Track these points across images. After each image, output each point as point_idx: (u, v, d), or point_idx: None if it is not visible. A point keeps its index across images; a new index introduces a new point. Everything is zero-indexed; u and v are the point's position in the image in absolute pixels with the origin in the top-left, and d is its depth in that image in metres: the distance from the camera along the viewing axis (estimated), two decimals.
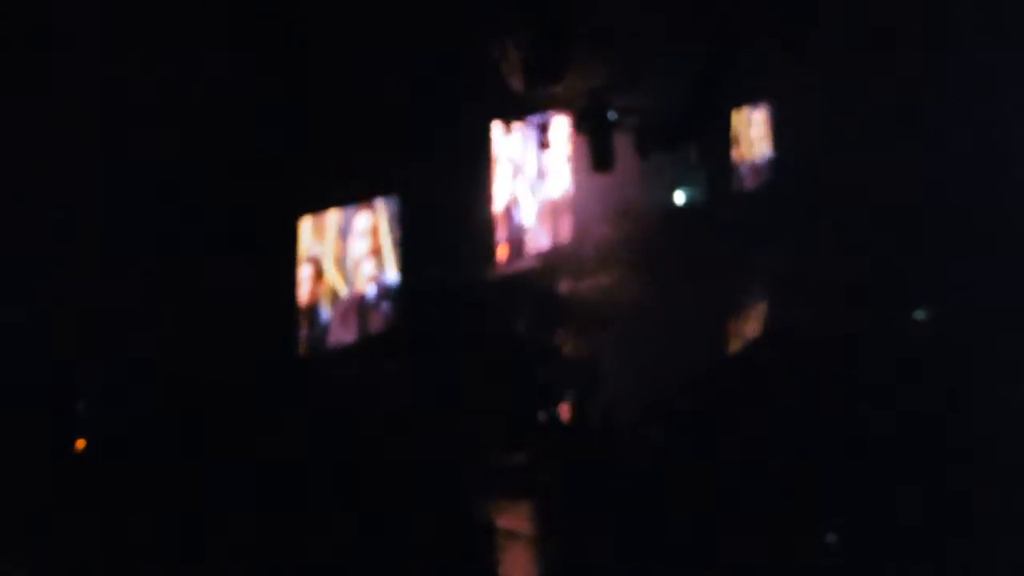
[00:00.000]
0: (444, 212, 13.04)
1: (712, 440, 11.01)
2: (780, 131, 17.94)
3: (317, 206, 11.73)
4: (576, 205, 15.47)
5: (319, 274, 11.79)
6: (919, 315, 14.30)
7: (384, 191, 12.44)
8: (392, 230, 12.44)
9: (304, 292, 11.54)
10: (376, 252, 12.44)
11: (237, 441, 10.00)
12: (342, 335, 12.02)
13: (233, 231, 10.61)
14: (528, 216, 14.81)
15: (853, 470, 10.34)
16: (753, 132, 17.75)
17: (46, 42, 9.25)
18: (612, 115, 13.02)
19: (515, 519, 10.31)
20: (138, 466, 9.31)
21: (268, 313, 10.99)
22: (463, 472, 10.71)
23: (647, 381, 12.78)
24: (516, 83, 12.66)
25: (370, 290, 12.38)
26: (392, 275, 12.55)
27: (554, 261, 14.83)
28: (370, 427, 10.76)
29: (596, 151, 13.09)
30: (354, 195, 12.18)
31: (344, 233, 11.98)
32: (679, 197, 16.69)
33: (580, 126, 13.23)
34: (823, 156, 17.04)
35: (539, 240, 14.94)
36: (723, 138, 16.56)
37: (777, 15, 14.62)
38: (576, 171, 14.96)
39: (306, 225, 11.48)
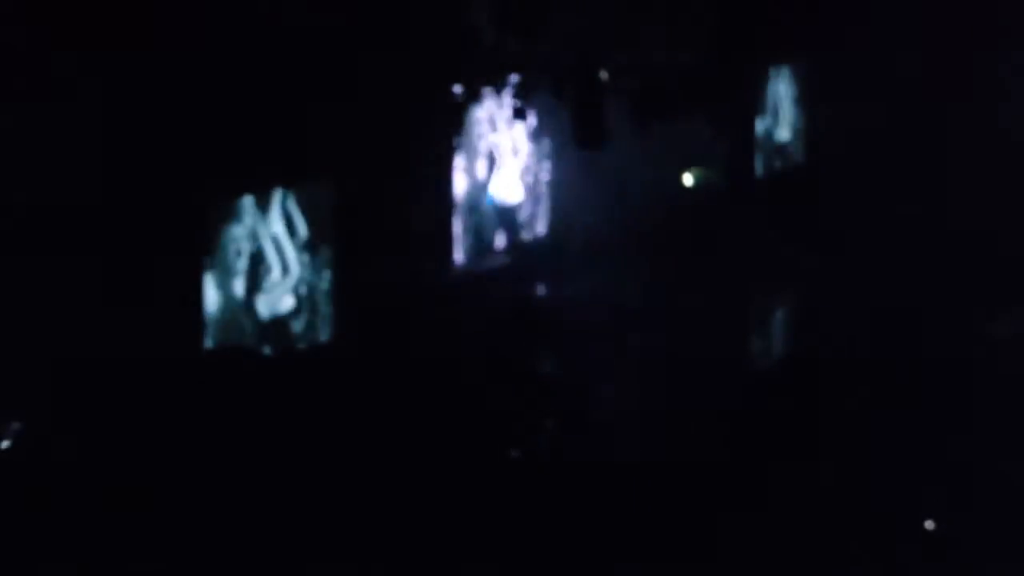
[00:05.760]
0: (390, 199, 12.00)
1: (717, 494, 10.17)
2: (814, 100, 16.25)
3: (228, 194, 10.79)
4: (558, 190, 14.15)
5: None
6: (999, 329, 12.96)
7: (310, 174, 11.43)
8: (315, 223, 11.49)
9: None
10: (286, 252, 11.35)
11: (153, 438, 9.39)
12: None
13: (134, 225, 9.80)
14: (498, 203, 13.59)
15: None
16: (781, 100, 16.16)
17: None
18: (604, 76, 11.76)
19: None
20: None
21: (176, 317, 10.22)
22: None
23: (644, 410, 11.67)
24: (486, 33, 11.62)
25: (286, 301, 11.29)
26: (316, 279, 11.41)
27: (529, 259, 13.59)
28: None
29: (583, 122, 11.89)
30: (273, 180, 11.06)
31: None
32: (688, 180, 14.91)
33: (564, 91, 11.95)
34: (866, 134, 15.41)
35: (511, 233, 13.76)
36: (745, 106, 14.98)
37: None
38: (559, 147, 13.61)
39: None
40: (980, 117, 15.77)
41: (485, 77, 12.31)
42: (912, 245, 14.79)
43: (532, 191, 14.04)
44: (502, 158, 13.55)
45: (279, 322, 11.23)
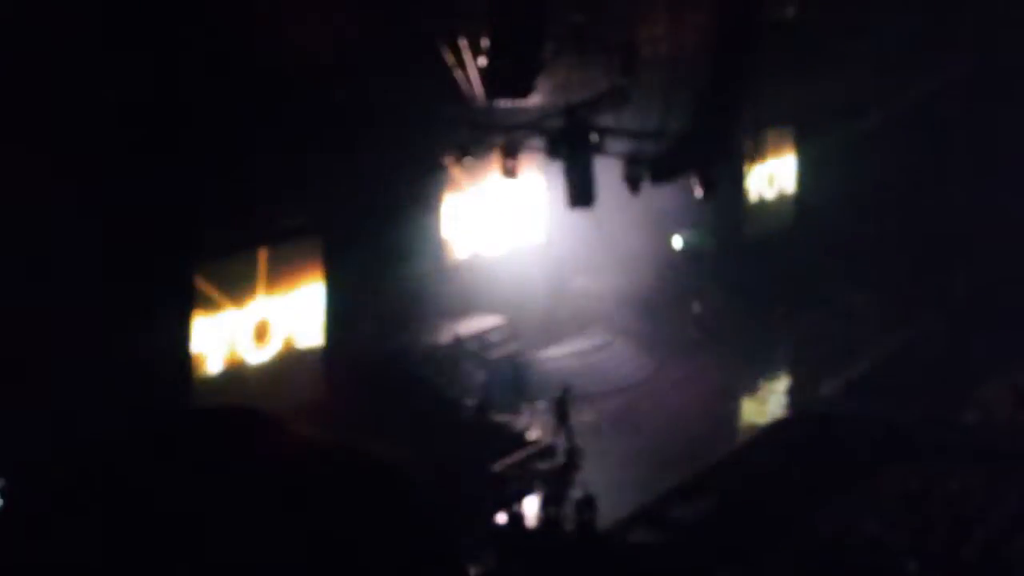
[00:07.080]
0: (379, 259, 11.44)
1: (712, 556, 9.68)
2: (806, 162, 15.70)
3: (218, 251, 10.39)
4: (550, 250, 13.43)
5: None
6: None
7: (304, 232, 10.97)
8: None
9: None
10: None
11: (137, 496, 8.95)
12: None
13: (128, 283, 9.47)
14: (490, 264, 12.88)
15: None
16: (772, 162, 15.65)
17: None
18: (594, 138, 10.97)
19: None
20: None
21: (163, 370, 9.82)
22: None
23: (638, 476, 11.11)
24: (475, 94, 10.97)
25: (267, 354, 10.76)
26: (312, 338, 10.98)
27: (522, 321, 12.81)
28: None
29: (573, 182, 11.00)
30: (264, 237, 10.66)
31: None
32: (678, 242, 14.42)
33: (555, 151, 11.12)
34: (857, 194, 14.79)
35: (503, 294, 12.91)
36: (735, 168, 14.33)
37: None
38: (550, 208, 12.84)
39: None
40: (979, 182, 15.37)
41: (478, 139, 11.59)
42: (904, 307, 14.25)
43: (526, 251, 13.39)
44: (494, 219, 13.00)
45: None
